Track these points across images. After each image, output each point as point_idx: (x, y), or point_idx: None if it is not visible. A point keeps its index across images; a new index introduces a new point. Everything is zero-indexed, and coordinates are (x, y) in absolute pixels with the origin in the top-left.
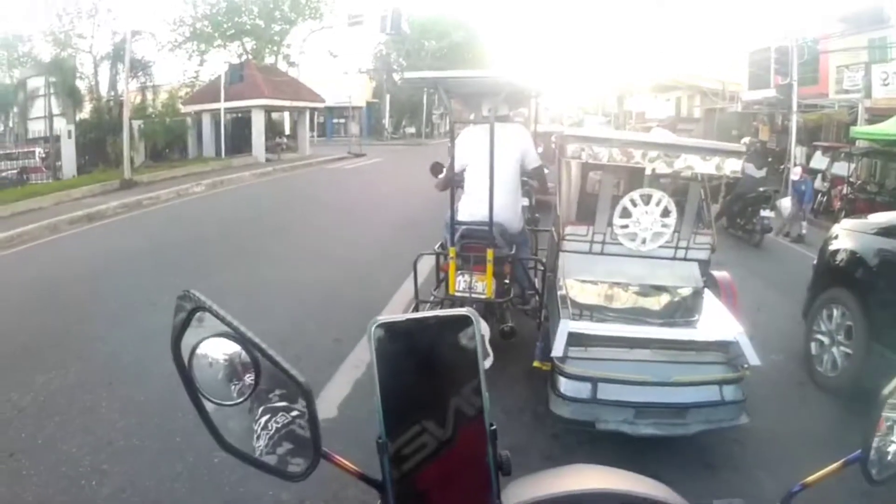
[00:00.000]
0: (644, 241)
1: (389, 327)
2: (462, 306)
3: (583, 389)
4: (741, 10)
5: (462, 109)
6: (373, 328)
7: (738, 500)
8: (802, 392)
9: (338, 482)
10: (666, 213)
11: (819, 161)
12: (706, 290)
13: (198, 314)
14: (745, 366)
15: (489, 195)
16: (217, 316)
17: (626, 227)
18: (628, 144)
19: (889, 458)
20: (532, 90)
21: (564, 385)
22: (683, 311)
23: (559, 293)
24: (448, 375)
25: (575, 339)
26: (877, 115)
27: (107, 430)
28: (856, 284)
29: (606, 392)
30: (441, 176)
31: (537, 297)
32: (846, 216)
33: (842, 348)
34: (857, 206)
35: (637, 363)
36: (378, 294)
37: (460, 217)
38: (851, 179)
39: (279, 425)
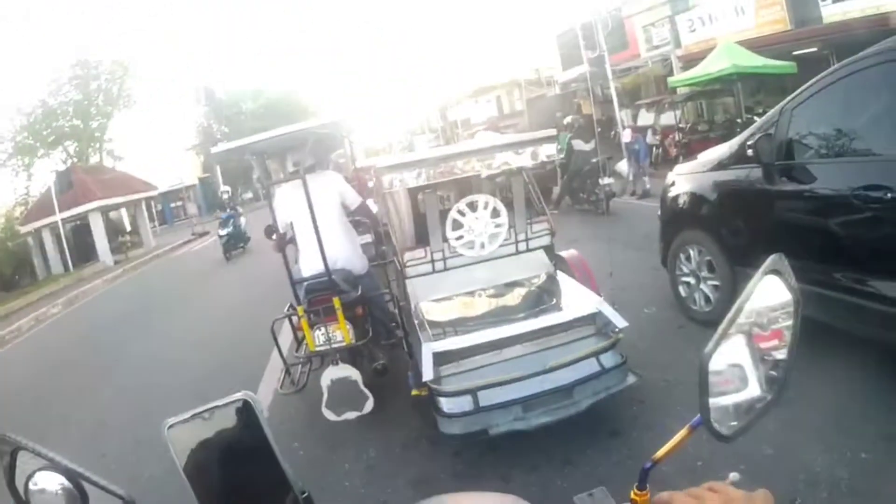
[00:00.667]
0: (483, 246)
1: (182, 426)
2: (327, 359)
3: (464, 403)
4: None
5: (279, 168)
6: (166, 430)
7: (598, 490)
8: (684, 333)
9: None
10: (496, 213)
11: (645, 118)
12: (558, 272)
13: (20, 453)
14: (616, 330)
15: (318, 245)
16: (33, 452)
17: (460, 237)
18: (442, 160)
19: (729, 413)
20: (341, 131)
21: (446, 404)
22: (542, 298)
23: (416, 320)
24: (248, 458)
25: (442, 358)
26: (690, 62)
27: None
28: (703, 221)
29: (488, 398)
30: (275, 237)
31: (401, 329)
32: (685, 160)
33: (709, 283)
34: (693, 148)
35: (511, 361)
36: (250, 371)
37: (304, 273)
38: (681, 125)
39: None
